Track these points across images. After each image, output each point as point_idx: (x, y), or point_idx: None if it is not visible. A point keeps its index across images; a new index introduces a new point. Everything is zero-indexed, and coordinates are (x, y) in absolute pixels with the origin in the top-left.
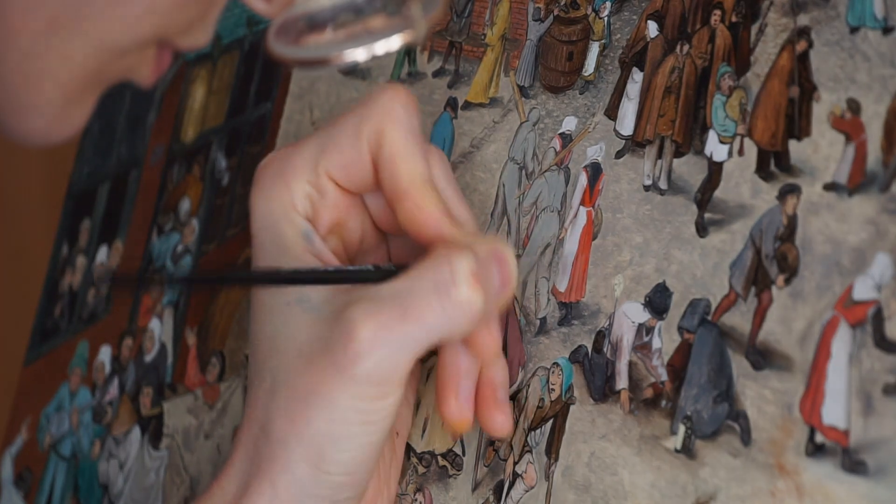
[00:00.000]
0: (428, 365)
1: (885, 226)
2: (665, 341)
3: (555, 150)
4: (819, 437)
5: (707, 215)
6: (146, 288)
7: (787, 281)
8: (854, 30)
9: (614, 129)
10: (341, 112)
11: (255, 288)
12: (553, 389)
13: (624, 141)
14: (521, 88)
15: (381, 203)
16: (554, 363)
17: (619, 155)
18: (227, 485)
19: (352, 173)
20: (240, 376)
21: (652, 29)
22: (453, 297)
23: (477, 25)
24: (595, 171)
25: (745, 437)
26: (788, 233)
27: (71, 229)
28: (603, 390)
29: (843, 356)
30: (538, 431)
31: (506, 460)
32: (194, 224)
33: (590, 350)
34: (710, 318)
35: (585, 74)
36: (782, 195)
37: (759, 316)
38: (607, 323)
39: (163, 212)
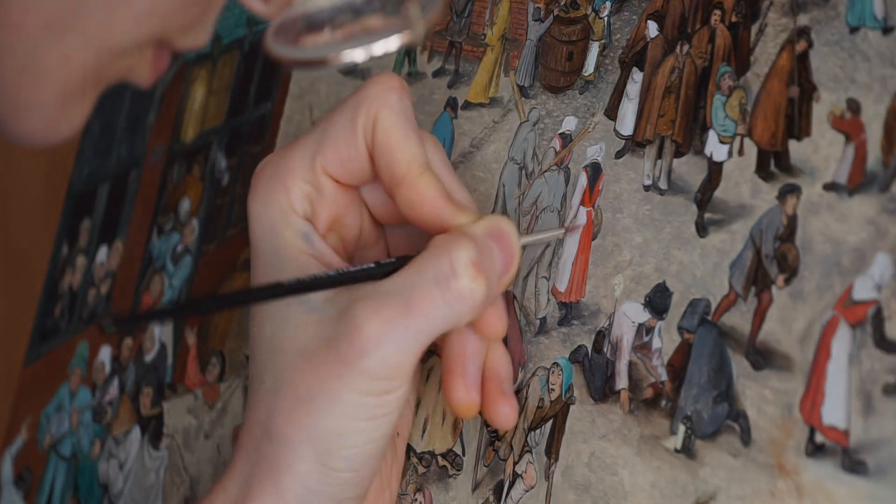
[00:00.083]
0: (428, 365)
1: (885, 226)
2: (665, 341)
3: (555, 150)
4: (819, 437)
5: (707, 215)
6: (147, 325)
7: (787, 281)
8: (854, 30)
9: (614, 129)
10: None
11: (260, 304)
12: (553, 389)
13: (624, 141)
14: (521, 88)
15: (378, 194)
16: (554, 363)
17: (619, 155)
18: (229, 486)
19: (349, 166)
20: (240, 376)
21: (652, 29)
22: (454, 290)
23: (477, 25)
24: (595, 171)
25: (745, 437)
26: (788, 233)
27: (71, 229)
28: (603, 390)
29: (843, 356)
30: (538, 431)
31: (506, 460)
32: (194, 224)
33: (590, 350)
34: (710, 318)
35: (585, 74)
36: (782, 195)
37: (759, 316)
38: (607, 323)
39: (163, 212)
